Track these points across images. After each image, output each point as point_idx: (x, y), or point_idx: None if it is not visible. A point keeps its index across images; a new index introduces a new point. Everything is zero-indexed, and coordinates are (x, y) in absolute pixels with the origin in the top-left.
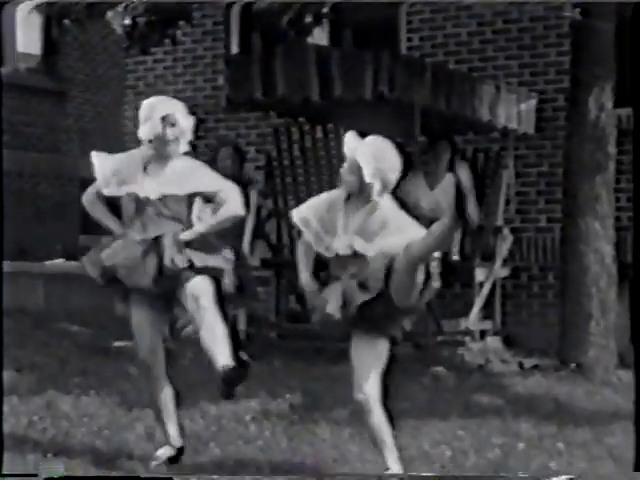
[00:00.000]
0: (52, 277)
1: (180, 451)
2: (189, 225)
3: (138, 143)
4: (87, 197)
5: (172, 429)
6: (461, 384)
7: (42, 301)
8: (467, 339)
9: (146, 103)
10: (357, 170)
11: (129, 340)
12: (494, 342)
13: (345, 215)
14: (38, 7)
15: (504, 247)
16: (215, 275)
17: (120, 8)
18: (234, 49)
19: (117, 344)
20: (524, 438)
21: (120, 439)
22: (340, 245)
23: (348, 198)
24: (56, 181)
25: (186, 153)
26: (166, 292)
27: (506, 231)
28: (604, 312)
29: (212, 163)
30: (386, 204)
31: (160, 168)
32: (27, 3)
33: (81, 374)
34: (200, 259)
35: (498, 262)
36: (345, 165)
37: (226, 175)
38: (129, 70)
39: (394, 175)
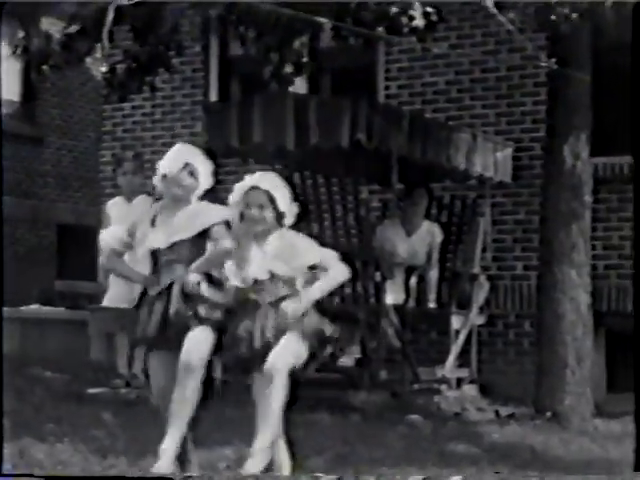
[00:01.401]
0: (28, 322)
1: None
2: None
3: (115, 188)
4: (106, 257)
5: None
6: (437, 432)
7: (17, 346)
8: (443, 387)
9: (180, 144)
10: (270, 202)
11: (103, 387)
12: (470, 390)
13: (256, 244)
14: (15, 53)
15: (480, 294)
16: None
17: (98, 54)
18: (213, 96)
19: (91, 391)
20: None
21: None
22: (257, 271)
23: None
24: (33, 226)
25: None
26: (175, 337)
27: (482, 278)
28: (580, 361)
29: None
30: (288, 230)
31: (168, 218)
32: (4, 47)
33: (55, 421)
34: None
35: (474, 309)
36: (251, 207)
37: None
38: (107, 116)
39: (293, 200)
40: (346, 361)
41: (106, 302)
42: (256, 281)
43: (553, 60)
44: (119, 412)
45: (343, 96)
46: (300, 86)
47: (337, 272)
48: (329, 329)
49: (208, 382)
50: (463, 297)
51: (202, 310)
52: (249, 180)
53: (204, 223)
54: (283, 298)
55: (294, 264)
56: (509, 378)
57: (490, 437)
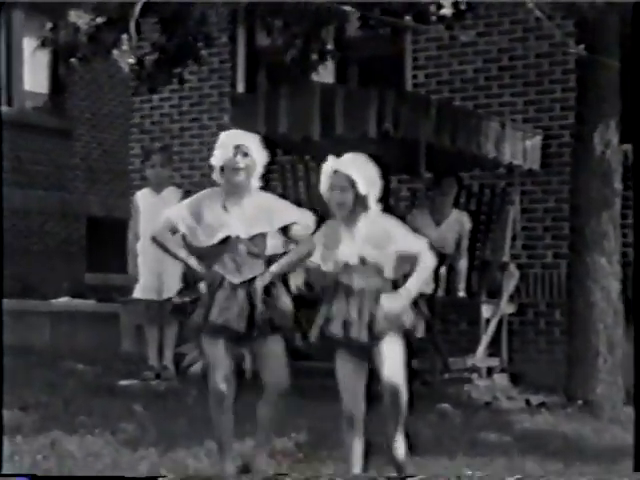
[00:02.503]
0: (58, 315)
1: None
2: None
3: (144, 181)
4: (160, 233)
5: (228, 462)
6: (468, 421)
7: (48, 339)
8: (474, 376)
9: (223, 134)
10: (350, 185)
11: (134, 379)
12: (501, 379)
13: (347, 229)
14: (43, 44)
15: (511, 283)
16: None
17: (126, 47)
18: (240, 87)
19: (122, 383)
20: (531, 476)
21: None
22: (348, 254)
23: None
24: (63, 219)
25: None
26: (248, 331)
27: (512, 267)
28: (611, 349)
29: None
30: (380, 214)
31: (239, 205)
32: (32, 41)
33: (86, 413)
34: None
35: (505, 298)
36: (333, 190)
37: None
38: (135, 108)
39: (379, 182)
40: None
41: (136, 294)
42: (346, 265)
43: (582, 47)
44: (149, 404)
45: (370, 86)
46: (327, 76)
47: (428, 261)
48: (420, 328)
49: (239, 374)
50: (493, 286)
51: (277, 317)
52: (331, 163)
53: (284, 220)
54: (375, 287)
55: (385, 250)
56: (540, 367)
57: (521, 426)
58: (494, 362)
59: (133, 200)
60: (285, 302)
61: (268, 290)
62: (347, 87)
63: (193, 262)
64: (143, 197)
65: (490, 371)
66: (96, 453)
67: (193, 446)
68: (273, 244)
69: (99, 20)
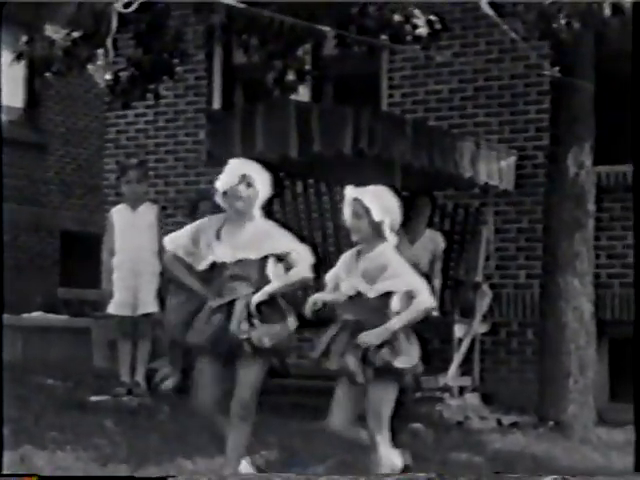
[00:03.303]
0: (31, 330)
1: None
2: (260, 285)
3: (118, 196)
4: (168, 260)
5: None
6: (439, 441)
7: (20, 354)
8: (446, 395)
9: (234, 160)
10: (365, 212)
11: (106, 394)
12: (473, 399)
13: (354, 261)
14: (19, 58)
15: (484, 303)
16: (270, 355)
17: (102, 62)
18: (216, 104)
19: (94, 398)
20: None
21: None
22: (346, 286)
23: (359, 251)
24: (36, 233)
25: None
26: (226, 353)
27: (485, 287)
28: (583, 369)
29: (191, 216)
30: (389, 248)
31: (234, 232)
32: (5, 54)
33: (57, 429)
34: (264, 333)
35: (477, 318)
36: (351, 217)
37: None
38: (110, 124)
39: (398, 214)
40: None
41: (111, 309)
42: (348, 297)
43: (556, 68)
44: (121, 420)
45: (346, 104)
46: (303, 94)
47: (423, 302)
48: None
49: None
50: (466, 305)
51: (256, 338)
52: (350, 191)
53: (274, 248)
54: (360, 322)
55: (377, 286)
56: (512, 387)
57: (493, 446)
58: (466, 381)
59: (108, 216)
60: (279, 326)
61: (259, 309)
62: (323, 105)
63: (196, 285)
64: (118, 213)
65: (462, 390)
66: (66, 469)
67: (164, 463)
68: (275, 270)
69: (74, 34)
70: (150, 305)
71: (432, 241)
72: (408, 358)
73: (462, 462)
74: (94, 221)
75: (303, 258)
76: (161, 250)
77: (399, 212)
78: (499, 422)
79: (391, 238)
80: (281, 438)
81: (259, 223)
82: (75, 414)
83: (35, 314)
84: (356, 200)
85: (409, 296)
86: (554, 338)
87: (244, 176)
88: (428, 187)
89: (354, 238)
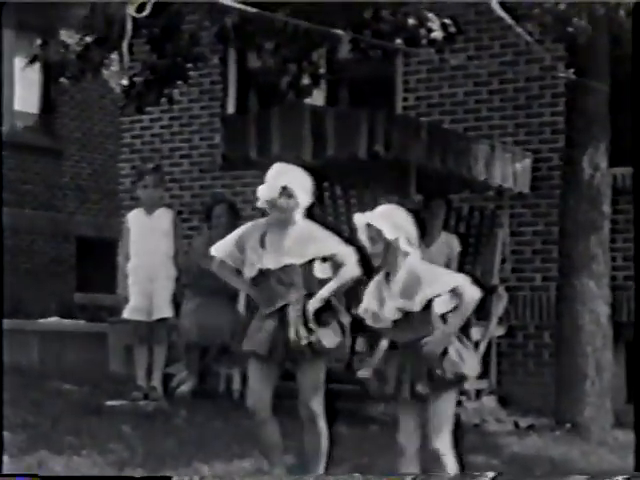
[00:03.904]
0: (47, 335)
1: None
2: (306, 288)
3: (134, 201)
4: (217, 266)
5: (278, 469)
6: (456, 444)
7: (36, 359)
8: (463, 398)
9: (276, 166)
10: (378, 235)
11: (122, 399)
12: (490, 401)
13: (385, 284)
14: (32, 61)
15: (500, 306)
16: (329, 357)
17: (117, 67)
18: (231, 109)
19: (110, 403)
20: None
21: None
22: (389, 311)
23: (386, 274)
24: (52, 239)
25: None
26: (284, 359)
27: (501, 290)
28: (599, 372)
29: (207, 220)
30: (415, 260)
31: (277, 239)
32: (22, 60)
33: (73, 433)
34: (323, 336)
35: (494, 321)
36: (368, 243)
37: (220, 232)
38: (125, 129)
39: (412, 227)
40: (364, 373)
41: (126, 314)
42: (394, 322)
43: (571, 70)
44: (137, 424)
45: (361, 108)
46: (318, 98)
47: (469, 296)
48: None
49: (228, 394)
50: (482, 309)
51: (316, 342)
52: (361, 217)
53: (319, 252)
54: (417, 339)
55: (418, 298)
56: (528, 389)
57: (510, 448)
58: (483, 384)
59: (124, 221)
60: (333, 328)
61: (318, 314)
62: (338, 109)
63: (251, 291)
64: (135, 218)
65: (479, 393)
66: (83, 474)
67: (181, 467)
68: (322, 269)
69: (88, 39)
70: (165, 310)
71: (447, 244)
72: (472, 362)
73: (479, 465)
74: (110, 226)
75: (349, 258)
76: (176, 255)
77: (412, 225)
78: (516, 425)
79: (412, 251)
80: (299, 442)
81: (301, 226)
82: (92, 419)
83: (51, 319)
84: (368, 226)
85: (453, 294)
86: (571, 340)
87: (284, 188)
88: (443, 190)
89: (376, 264)
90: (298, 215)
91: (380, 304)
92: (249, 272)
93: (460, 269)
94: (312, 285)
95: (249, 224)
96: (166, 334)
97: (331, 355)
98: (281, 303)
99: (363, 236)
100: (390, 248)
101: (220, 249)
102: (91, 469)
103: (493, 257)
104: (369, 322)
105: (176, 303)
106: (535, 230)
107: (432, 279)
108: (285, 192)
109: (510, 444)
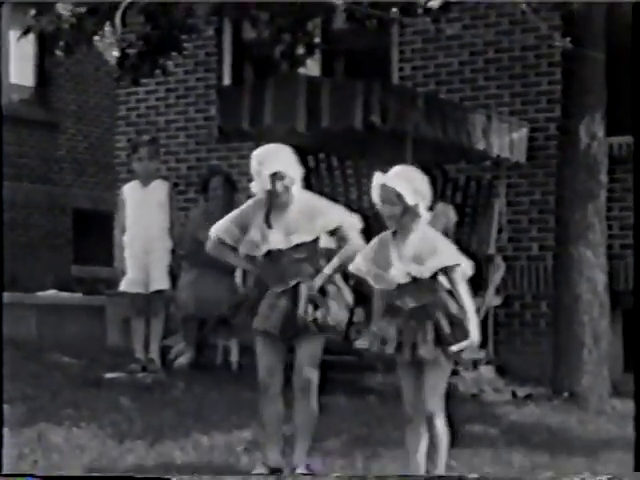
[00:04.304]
0: (44, 308)
1: (276, 472)
2: (318, 261)
3: (130, 173)
4: (213, 247)
5: (273, 450)
6: (454, 413)
7: (34, 332)
8: (460, 368)
9: (255, 156)
10: (397, 198)
11: (121, 371)
12: (487, 371)
13: (396, 246)
14: (26, 32)
15: (496, 276)
16: (332, 331)
17: (111, 39)
18: (227, 80)
19: (109, 375)
20: (517, 467)
21: (112, 471)
22: (398, 274)
23: (394, 233)
24: (48, 212)
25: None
26: (293, 335)
27: (498, 259)
28: (597, 340)
29: (203, 192)
30: (427, 227)
31: (281, 216)
32: (17, 33)
33: (72, 406)
34: (327, 312)
35: (491, 291)
36: (383, 204)
37: (216, 204)
38: (121, 101)
39: (429, 191)
40: (363, 343)
41: (123, 287)
42: (399, 285)
43: (567, 39)
44: (136, 397)
45: (356, 78)
46: (313, 69)
47: (465, 270)
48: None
49: (225, 365)
50: (479, 278)
51: (321, 318)
52: (378, 178)
53: (327, 225)
54: (424, 305)
55: (430, 264)
56: (526, 359)
57: (507, 418)
58: (480, 354)
59: (120, 193)
60: (337, 304)
61: (323, 290)
62: (333, 80)
63: (249, 266)
64: (130, 190)
65: (476, 363)
66: (83, 446)
67: (180, 438)
68: (325, 240)
69: (81, 9)
70: (162, 282)
71: (444, 214)
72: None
73: (477, 434)
74: (106, 199)
75: (353, 228)
76: (172, 227)
77: (429, 190)
78: (514, 394)
79: (426, 216)
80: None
81: (302, 199)
82: (90, 391)
83: (49, 292)
84: (385, 186)
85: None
86: (568, 310)
87: (275, 174)
88: (440, 160)
89: (389, 225)
90: (296, 191)
91: (387, 266)
92: (254, 252)
93: (457, 239)
94: (320, 259)
95: (250, 202)
96: (163, 306)
97: (334, 331)
98: (294, 281)
99: (377, 196)
100: (408, 212)
101: (219, 229)
102: (90, 441)
103: (490, 227)
104: (371, 282)
105: (173, 275)
106: (532, 200)
107: (444, 249)
108: (276, 178)
109: (508, 413)
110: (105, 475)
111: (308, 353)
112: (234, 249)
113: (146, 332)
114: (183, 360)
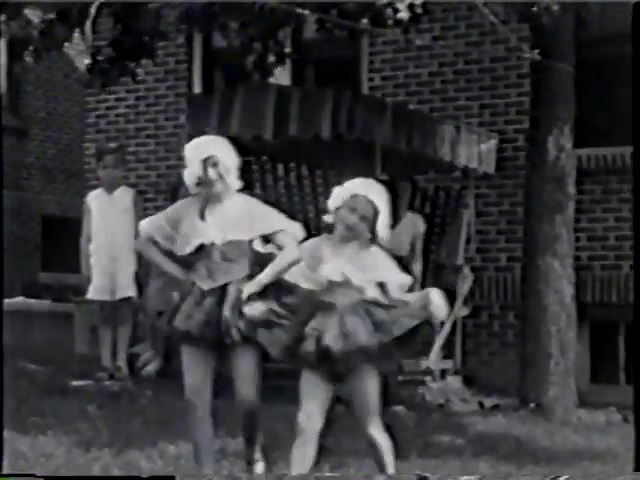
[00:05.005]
0: (12, 315)
1: None
2: (251, 266)
3: (99, 180)
4: (140, 243)
5: (208, 464)
6: (421, 423)
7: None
8: (427, 378)
9: (188, 147)
10: (374, 212)
11: (88, 379)
12: (454, 381)
13: (333, 248)
14: None
15: (465, 286)
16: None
17: (81, 46)
18: (197, 88)
19: (75, 383)
20: (483, 478)
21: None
22: (331, 272)
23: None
24: (17, 218)
25: (239, 190)
26: (215, 339)
27: (467, 270)
28: (564, 352)
29: (172, 200)
30: (378, 251)
31: (216, 211)
32: None
33: (39, 414)
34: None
35: (459, 301)
36: (350, 214)
37: None
38: (90, 108)
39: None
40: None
41: (90, 295)
42: (330, 282)
43: (536, 51)
44: (103, 405)
45: (326, 87)
46: (284, 78)
47: (402, 284)
48: None
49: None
50: (447, 289)
51: (246, 328)
52: (350, 185)
53: (267, 227)
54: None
55: (369, 277)
56: (493, 369)
57: (474, 428)
58: (448, 364)
59: (85, 201)
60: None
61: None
62: (303, 88)
63: (174, 269)
64: (95, 198)
65: (444, 373)
66: (49, 454)
67: (147, 447)
68: (263, 245)
69: (51, 15)
70: (128, 289)
71: (413, 224)
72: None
73: (444, 444)
74: (75, 206)
75: (292, 237)
76: (137, 234)
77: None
78: (481, 405)
79: (384, 229)
80: (263, 421)
81: (240, 200)
82: (57, 399)
83: (17, 299)
84: (358, 196)
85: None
86: (535, 320)
87: (206, 159)
88: (409, 171)
89: (345, 232)
90: (233, 184)
91: (316, 266)
92: (186, 248)
93: (425, 249)
94: (253, 264)
95: (184, 200)
96: (130, 314)
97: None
98: (224, 280)
99: (342, 201)
100: (372, 221)
101: (149, 225)
102: (57, 449)
103: (458, 237)
104: (300, 282)
105: (140, 283)
106: (500, 210)
107: (389, 266)
108: (208, 163)
109: (475, 423)
110: (106, 475)
111: (241, 369)
112: (167, 251)
113: (113, 340)
114: (151, 368)
